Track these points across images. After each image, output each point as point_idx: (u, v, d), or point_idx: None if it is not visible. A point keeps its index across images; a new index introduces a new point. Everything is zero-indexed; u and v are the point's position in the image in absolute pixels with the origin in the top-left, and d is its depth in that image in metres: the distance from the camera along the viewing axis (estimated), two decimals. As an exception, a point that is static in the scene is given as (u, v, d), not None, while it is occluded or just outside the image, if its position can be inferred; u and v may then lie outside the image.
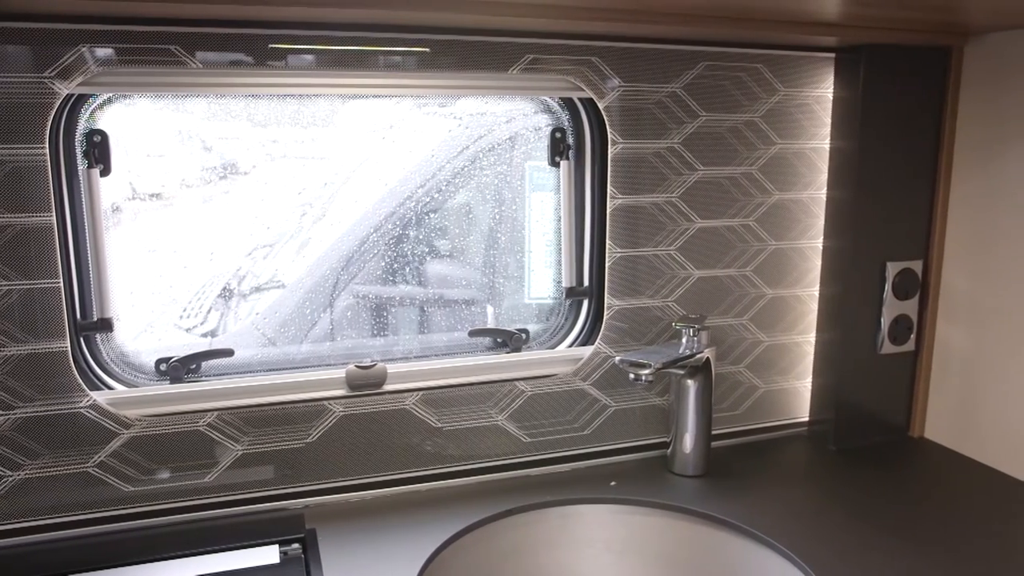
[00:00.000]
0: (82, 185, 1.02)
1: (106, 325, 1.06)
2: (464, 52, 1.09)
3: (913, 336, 1.33)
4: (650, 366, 1.08)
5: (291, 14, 0.96)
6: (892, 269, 1.29)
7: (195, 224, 1.11)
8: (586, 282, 1.26)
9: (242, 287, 1.15)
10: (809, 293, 1.35)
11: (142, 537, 1.03)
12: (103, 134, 1.02)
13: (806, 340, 1.37)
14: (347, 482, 1.15)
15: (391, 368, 1.15)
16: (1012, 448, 1.21)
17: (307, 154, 1.14)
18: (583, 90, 1.16)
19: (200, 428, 1.07)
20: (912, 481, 1.19)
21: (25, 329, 0.98)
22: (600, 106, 1.17)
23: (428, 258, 1.22)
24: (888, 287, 1.29)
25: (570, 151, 1.23)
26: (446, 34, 1.08)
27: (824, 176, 1.31)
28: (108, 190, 1.05)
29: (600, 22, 1.04)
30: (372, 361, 1.14)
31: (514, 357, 1.22)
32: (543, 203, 1.25)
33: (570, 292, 1.27)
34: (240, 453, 1.09)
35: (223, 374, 1.13)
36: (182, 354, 1.10)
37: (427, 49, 1.08)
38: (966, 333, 1.28)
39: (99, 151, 1.03)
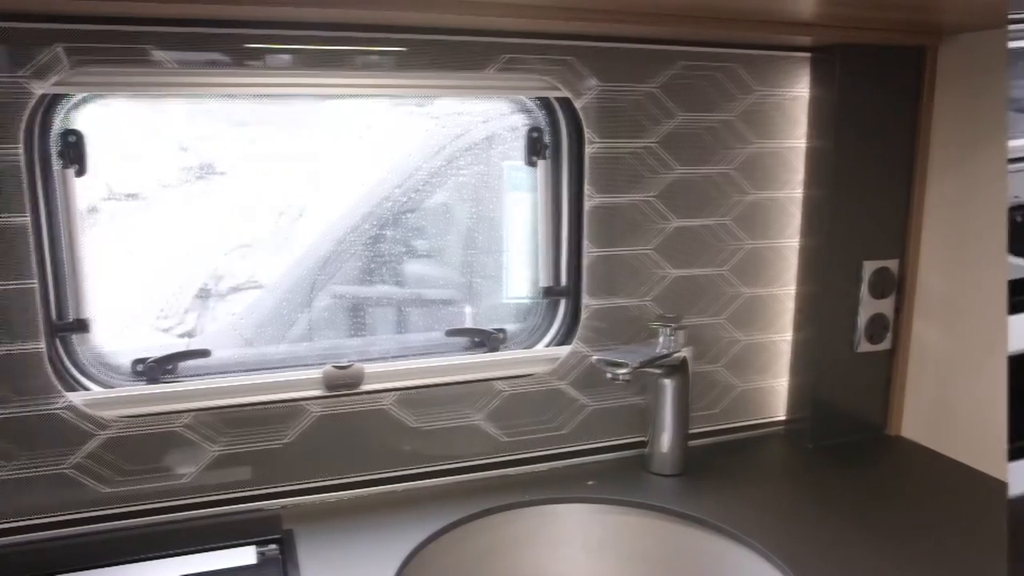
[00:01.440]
0: (57, 185, 1.02)
1: (82, 326, 1.05)
2: (441, 52, 1.09)
3: (889, 335, 1.34)
4: (627, 365, 1.08)
5: (268, 14, 0.96)
6: (868, 268, 1.30)
7: (172, 224, 1.11)
8: (563, 282, 1.27)
9: (219, 287, 1.15)
10: (786, 292, 1.36)
11: (119, 539, 1.03)
12: (78, 134, 1.02)
13: (783, 339, 1.37)
14: (324, 482, 1.14)
15: (368, 368, 1.15)
16: (986, 445, 1.22)
17: (285, 154, 1.14)
18: (560, 90, 1.16)
19: (177, 429, 1.06)
20: (888, 478, 1.20)
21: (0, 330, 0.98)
22: (577, 106, 1.17)
23: (406, 258, 1.22)
24: (864, 286, 1.30)
25: (547, 151, 1.23)
26: (423, 34, 1.08)
27: (800, 175, 1.32)
28: (85, 191, 1.05)
29: (577, 22, 1.04)
30: (349, 361, 1.14)
31: (491, 357, 1.22)
32: (521, 203, 1.25)
33: (547, 292, 1.27)
34: (217, 454, 1.09)
35: (200, 375, 1.13)
36: (159, 355, 1.10)
37: (404, 49, 1.08)
38: (942, 331, 1.29)
39: (74, 151, 1.02)
